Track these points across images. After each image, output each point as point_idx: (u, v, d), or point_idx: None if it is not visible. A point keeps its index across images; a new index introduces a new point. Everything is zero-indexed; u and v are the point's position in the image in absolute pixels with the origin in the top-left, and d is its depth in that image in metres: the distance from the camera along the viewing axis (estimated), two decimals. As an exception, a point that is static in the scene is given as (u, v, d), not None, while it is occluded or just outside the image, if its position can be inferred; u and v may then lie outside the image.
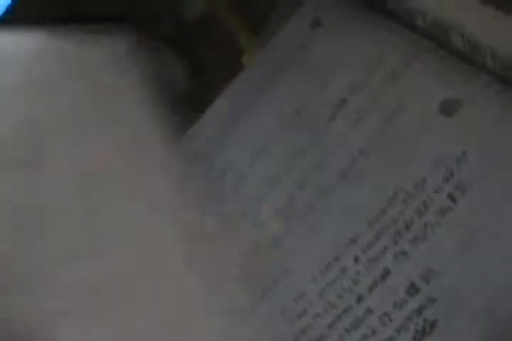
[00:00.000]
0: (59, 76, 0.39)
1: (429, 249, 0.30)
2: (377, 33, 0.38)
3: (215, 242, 0.36)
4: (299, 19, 0.43)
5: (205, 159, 0.42)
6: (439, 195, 0.31)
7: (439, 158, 0.32)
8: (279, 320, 0.34)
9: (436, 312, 0.29)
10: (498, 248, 0.28)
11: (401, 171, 0.33)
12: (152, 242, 0.36)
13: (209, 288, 0.34)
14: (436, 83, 0.34)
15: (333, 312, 0.32)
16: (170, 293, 0.35)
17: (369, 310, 0.31)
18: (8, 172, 0.35)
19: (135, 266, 0.34)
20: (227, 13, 0.47)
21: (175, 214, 0.37)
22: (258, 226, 0.38)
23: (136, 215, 0.36)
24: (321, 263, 0.34)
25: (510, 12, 0.32)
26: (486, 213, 0.29)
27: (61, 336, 0.32)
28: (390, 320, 0.30)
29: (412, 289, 0.30)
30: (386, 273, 0.31)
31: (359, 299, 0.32)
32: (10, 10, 0.41)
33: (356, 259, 0.33)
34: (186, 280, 0.35)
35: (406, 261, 0.31)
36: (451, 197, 0.30)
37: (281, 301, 0.35)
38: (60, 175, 0.36)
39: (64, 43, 0.41)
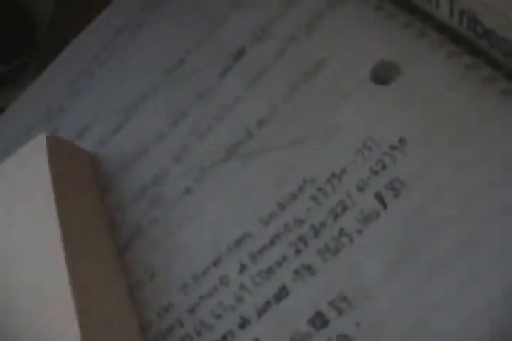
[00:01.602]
0: None
1: (344, 267, 0.22)
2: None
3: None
4: None
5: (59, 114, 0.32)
6: (363, 194, 0.23)
7: (366, 142, 0.23)
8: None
9: (350, 359, 0.21)
10: (439, 276, 0.21)
11: (311, 155, 0.25)
12: None
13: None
14: (368, 38, 0.25)
15: (208, 338, 0.24)
16: None
17: (256, 342, 0.23)
18: None
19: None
20: None
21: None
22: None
23: None
24: (195, 267, 0.25)
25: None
26: (426, 225, 0.21)
27: None
28: (286, 360, 0.22)
29: (318, 320, 0.22)
30: (283, 294, 0.23)
31: (243, 324, 0.24)
32: None
33: (242, 268, 0.24)
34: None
35: (311, 281, 0.23)
36: (380, 199, 0.22)
37: (146, 310, 0.26)
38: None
39: None
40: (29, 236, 0.26)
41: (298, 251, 0.23)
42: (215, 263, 0.25)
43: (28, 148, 0.29)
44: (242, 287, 0.24)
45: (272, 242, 0.24)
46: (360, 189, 0.23)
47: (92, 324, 0.24)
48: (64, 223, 0.26)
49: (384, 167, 0.23)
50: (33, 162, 0.28)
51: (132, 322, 0.26)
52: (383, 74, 0.24)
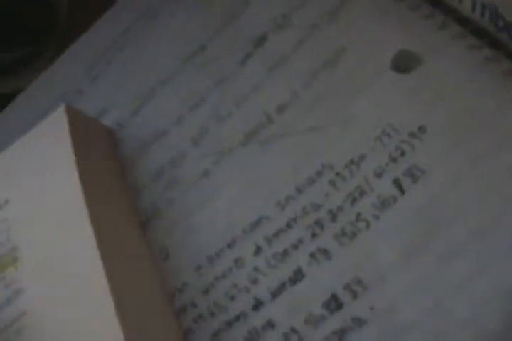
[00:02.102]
0: None
1: (361, 251, 0.23)
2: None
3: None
4: None
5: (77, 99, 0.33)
6: (381, 180, 0.23)
7: (386, 129, 0.24)
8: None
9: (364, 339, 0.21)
10: (454, 261, 0.21)
11: (330, 141, 0.25)
12: None
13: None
14: (390, 28, 0.26)
15: (221, 319, 0.24)
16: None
17: (269, 324, 0.23)
18: None
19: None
20: None
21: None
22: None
23: None
24: (210, 248, 0.26)
25: None
26: (442, 211, 0.22)
27: None
28: (300, 340, 0.22)
29: (333, 303, 0.22)
30: (298, 277, 0.23)
31: (257, 306, 0.24)
32: None
33: (258, 250, 0.25)
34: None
35: (327, 264, 0.23)
36: (398, 185, 0.23)
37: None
38: None
39: None
40: (54, 211, 0.26)
41: (314, 235, 0.24)
42: (229, 245, 0.25)
43: (48, 120, 0.29)
44: (256, 269, 0.24)
45: (289, 225, 0.24)
46: (378, 175, 0.23)
47: (127, 304, 0.24)
48: (88, 199, 0.26)
49: (403, 154, 0.23)
50: (54, 132, 0.28)
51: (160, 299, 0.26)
52: (404, 64, 0.25)
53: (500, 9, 0.23)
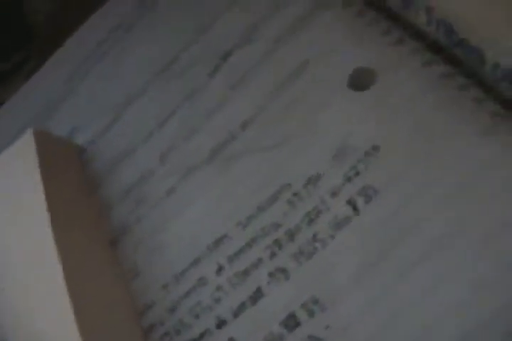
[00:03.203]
0: None
1: (318, 270, 0.23)
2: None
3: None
4: None
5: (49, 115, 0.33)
6: (336, 199, 0.23)
7: (342, 148, 0.24)
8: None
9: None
10: (407, 279, 0.21)
11: (289, 160, 0.25)
12: None
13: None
14: (349, 44, 0.26)
15: (186, 337, 0.25)
16: None
17: (231, 342, 0.24)
18: None
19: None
20: None
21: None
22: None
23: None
24: (176, 266, 0.26)
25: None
26: (395, 230, 0.22)
27: None
28: (259, 361, 0.23)
29: (291, 321, 0.23)
30: (258, 296, 0.24)
31: (220, 324, 0.24)
32: None
33: (220, 269, 0.25)
34: None
35: (285, 283, 0.23)
36: (353, 205, 0.23)
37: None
38: None
39: None
40: (21, 234, 0.27)
41: (273, 254, 0.24)
42: (193, 264, 0.26)
43: (17, 144, 0.29)
44: (219, 288, 0.25)
45: (249, 245, 0.24)
46: (334, 194, 0.23)
47: (90, 320, 0.24)
48: (55, 221, 0.26)
49: (357, 173, 0.23)
50: (22, 158, 0.29)
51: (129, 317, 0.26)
52: (360, 81, 0.25)
53: (454, 26, 0.23)
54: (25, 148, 0.29)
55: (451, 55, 0.24)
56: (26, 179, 0.28)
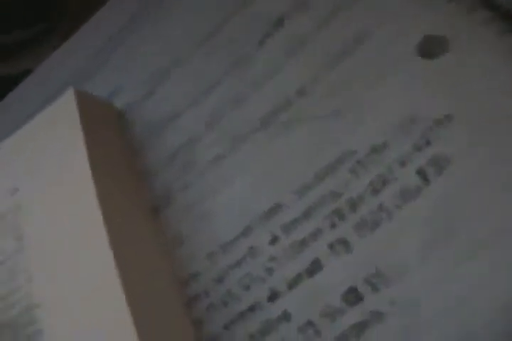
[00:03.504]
0: None
1: (382, 243, 0.22)
2: None
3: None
4: None
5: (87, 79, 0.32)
6: (404, 168, 0.22)
7: (410, 116, 0.23)
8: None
9: (384, 336, 0.20)
10: (480, 253, 0.20)
11: (352, 127, 0.24)
12: None
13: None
14: (416, 11, 0.25)
15: (234, 309, 0.24)
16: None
17: (286, 316, 0.23)
18: None
19: None
20: None
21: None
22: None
23: None
24: (224, 236, 0.25)
25: None
26: (468, 202, 0.21)
27: None
28: (317, 334, 0.22)
29: (352, 296, 0.22)
30: (315, 268, 0.23)
31: (273, 297, 0.23)
32: None
33: (274, 239, 0.24)
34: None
35: (346, 256, 0.22)
36: (422, 175, 0.22)
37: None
38: None
39: None
40: (64, 196, 0.26)
41: (333, 225, 0.23)
42: (244, 233, 0.24)
43: (58, 103, 0.28)
44: (272, 258, 0.23)
45: (306, 214, 0.23)
46: (402, 164, 0.22)
47: (138, 296, 0.23)
48: (98, 184, 0.25)
49: (428, 142, 0.22)
50: (63, 116, 0.27)
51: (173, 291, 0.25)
52: (430, 49, 0.24)
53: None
54: (66, 107, 0.28)
55: (526, 24, 0.23)
56: (69, 138, 0.27)
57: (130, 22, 0.33)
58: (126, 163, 0.28)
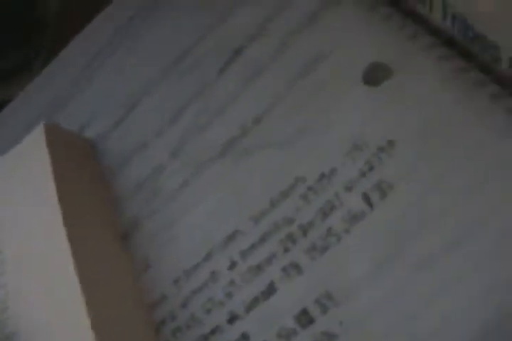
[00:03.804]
0: None
1: (331, 265, 0.23)
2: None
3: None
4: None
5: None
6: (350, 194, 0.23)
7: (356, 143, 0.24)
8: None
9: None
10: (425, 274, 0.21)
11: (303, 154, 0.25)
12: None
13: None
14: (363, 40, 0.26)
15: (198, 332, 0.25)
16: None
17: (244, 337, 0.24)
18: None
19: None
20: None
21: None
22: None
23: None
24: (188, 261, 0.26)
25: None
26: (412, 225, 0.22)
27: None
28: (272, 356, 0.23)
29: (304, 318, 0.23)
30: (271, 291, 0.24)
31: (232, 319, 0.24)
32: None
33: (232, 264, 0.25)
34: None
35: (298, 278, 0.23)
36: (367, 200, 0.23)
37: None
38: None
39: None
40: (32, 228, 0.27)
41: (286, 249, 0.24)
42: (206, 259, 0.25)
43: (28, 139, 0.29)
44: (231, 283, 0.25)
45: (262, 240, 0.24)
46: (348, 189, 0.23)
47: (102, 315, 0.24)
48: (66, 214, 0.26)
49: (371, 168, 0.23)
50: (33, 152, 0.29)
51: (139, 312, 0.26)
52: (375, 76, 0.25)
53: (469, 20, 0.23)
54: (36, 142, 0.29)
55: (466, 50, 0.24)
56: (37, 173, 0.28)
57: (102, 51, 0.34)
58: (96, 192, 0.29)
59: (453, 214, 0.21)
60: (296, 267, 0.23)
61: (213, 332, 0.24)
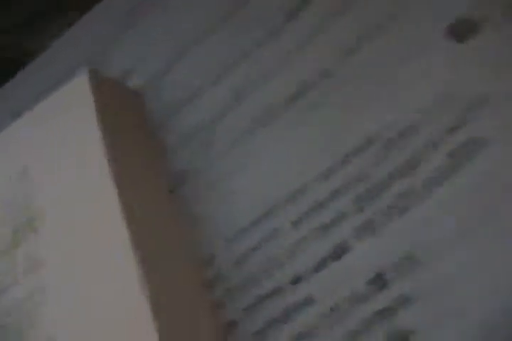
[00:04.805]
0: None
1: (412, 227, 0.21)
2: None
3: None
4: None
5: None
6: (436, 151, 0.22)
7: (443, 98, 0.22)
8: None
9: (411, 321, 0.20)
10: (510, 238, 0.19)
11: (381, 108, 0.23)
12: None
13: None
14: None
15: (255, 292, 0.23)
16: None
17: (308, 300, 0.22)
18: None
19: None
20: None
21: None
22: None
23: None
24: (246, 217, 0.24)
25: None
26: (500, 187, 0.20)
27: None
28: (341, 319, 0.21)
29: (379, 281, 0.21)
30: (342, 251, 0.22)
31: (296, 280, 0.22)
32: None
33: (298, 221, 0.23)
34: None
35: (374, 240, 0.21)
36: (455, 157, 0.21)
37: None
38: None
39: None
40: (80, 178, 0.25)
41: (361, 209, 0.22)
42: (266, 215, 0.24)
43: (70, 84, 0.27)
44: (296, 241, 0.23)
45: (333, 196, 0.23)
46: (434, 146, 0.22)
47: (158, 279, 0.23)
48: (113, 164, 0.24)
49: (463, 124, 0.21)
50: (76, 98, 0.27)
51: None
52: (460, 32, 0.23)
53: None
54: (79, 88, 0.27)
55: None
56: (82, 121, 0.26)
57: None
58: (143, 143, 0.27)
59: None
60: (372, 227, 0.22)
61: (273, 293, 0.23)
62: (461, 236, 0.20)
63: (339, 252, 0.22)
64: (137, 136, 0.27)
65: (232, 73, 0.27)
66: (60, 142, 0.26)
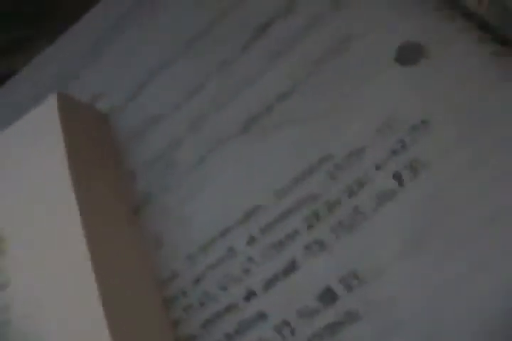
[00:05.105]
0: None
1: (358, 244, 0.22)
2: None
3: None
4: None
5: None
6: (381, 172, 0.23)
7: (387, 122, 0.23)
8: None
9: (359, 335, 0.21)
10: (453, 257, 0.21)
11: (331, 131, 0.24)
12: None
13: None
14: (394, 18, 0.25)
15: (211, 309, 0.24)
16: None
17: (261, 315, 0.23)
18: None
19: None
20: None
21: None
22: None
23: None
24: (203, 236, 0.25)
25: None
26: (442, 207, 0.21)
27: None
28: (292, 333, 0.22)
29: (327, 296, 0.22)
30: (292, 268, 0.23)
31: (249, 296, 0.23)
32: None
33: (251, 240, 0.24)
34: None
35: (322, 256, 0.23)
36: (398, 178, 0.22)
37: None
38: None
39: None
40: (43, 201, 0.26)
41: (310, 226, 0.23)
42: (223, 234, 0.25)
43: (39, 108, 0.28)
44: (250, 259, 0.24)
45: (284, 216, 0.24)
46: (379, 167, 0.23)
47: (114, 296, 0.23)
48: (78, 187, 0.25)
49: (404, 147, 0.23)
50: (44, 122, 0.28)
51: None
52: (409, 55, 0.24)
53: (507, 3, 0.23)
54: (48, 112, 0.28)
55: (501, 35, 0.24)
56: (49, 144, 0.27)
57: (118, 24, 0.33)
58: (108, 166, 0.28)
59: (485, 199, 0.21)
60: (321, 245, 0.23)
61: (228, 309, 0.24)
62: (404, 256, 0.21)
63: (290, 269, 0.23)
64: (103, 158, 0.28)
65: (196, 95, 0.28)
66: (24, 166, 0.27)
